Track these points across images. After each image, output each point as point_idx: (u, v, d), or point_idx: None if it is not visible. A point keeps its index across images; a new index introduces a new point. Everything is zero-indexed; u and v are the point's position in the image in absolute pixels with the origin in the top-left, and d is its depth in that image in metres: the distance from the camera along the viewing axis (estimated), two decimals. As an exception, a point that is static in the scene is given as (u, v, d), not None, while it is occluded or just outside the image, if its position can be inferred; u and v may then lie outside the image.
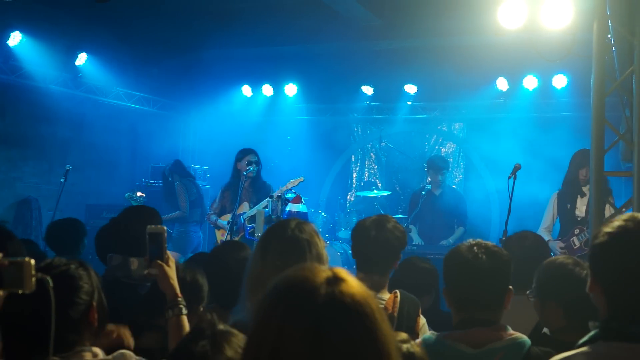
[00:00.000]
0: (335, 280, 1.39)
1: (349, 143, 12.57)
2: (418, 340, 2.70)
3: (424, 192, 8.60)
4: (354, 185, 12.49)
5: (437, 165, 8.84)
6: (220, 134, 12.15)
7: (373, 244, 3.51)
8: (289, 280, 1.43)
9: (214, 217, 8.44)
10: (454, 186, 10.69)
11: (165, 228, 2.93)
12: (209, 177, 11.80)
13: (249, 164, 8.08)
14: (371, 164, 12.47)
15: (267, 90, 11.80)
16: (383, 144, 11.50)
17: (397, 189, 12.00)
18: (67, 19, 9.30)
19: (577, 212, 7.06)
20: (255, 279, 2.69)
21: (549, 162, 8.98)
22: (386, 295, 3.44)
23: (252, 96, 11.99)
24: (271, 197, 7.54)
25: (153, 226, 2.92)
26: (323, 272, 1.41)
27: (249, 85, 11.85)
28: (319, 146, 12.05)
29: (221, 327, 2.08)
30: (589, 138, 5.31)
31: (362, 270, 3.54)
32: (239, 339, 2.03)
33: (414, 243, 8.45)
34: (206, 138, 12.77)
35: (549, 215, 7.36)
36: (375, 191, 10.82)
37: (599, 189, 5.28)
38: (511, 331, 2.66)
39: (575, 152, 7.27)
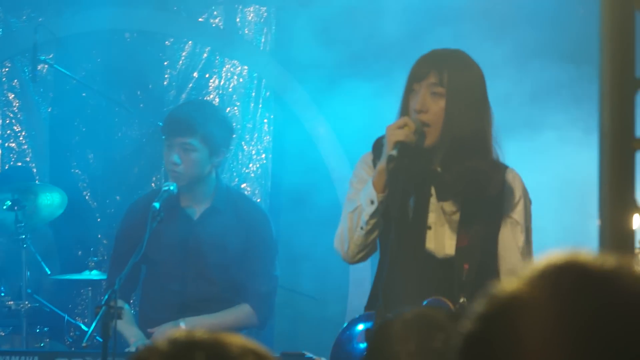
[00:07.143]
0: None
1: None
2: None
3: (157, 205, 5.36)
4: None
5: (177, 123, 5.90)
6: None
7: None
8: None
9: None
10: (245, 186, 7.33)
11: None
12: None
13: None
14: (13, 120, 8.02)
15: None
16: (42, 68, 7.80)
17: (86, 195, 7.72)
18: None
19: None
20: None
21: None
22: None
23: None
24: None
25: None
26: None
27: None
28: None
29: None
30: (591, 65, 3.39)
31: None
32: None
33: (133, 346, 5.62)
34: None
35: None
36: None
37: (630, 173, 3.21)
38: None
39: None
